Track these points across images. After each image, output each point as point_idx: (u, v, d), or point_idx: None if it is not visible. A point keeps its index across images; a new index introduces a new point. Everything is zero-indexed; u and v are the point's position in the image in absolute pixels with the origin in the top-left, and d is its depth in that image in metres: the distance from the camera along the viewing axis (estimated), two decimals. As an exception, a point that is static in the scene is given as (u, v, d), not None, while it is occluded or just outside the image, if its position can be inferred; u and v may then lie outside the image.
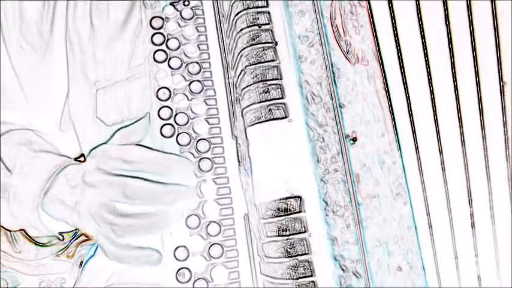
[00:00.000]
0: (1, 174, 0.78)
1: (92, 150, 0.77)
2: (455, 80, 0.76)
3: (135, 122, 0.78)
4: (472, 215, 0.75)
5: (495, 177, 0.76)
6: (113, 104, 0.78)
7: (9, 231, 0.79)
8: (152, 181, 0.74)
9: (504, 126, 0.76)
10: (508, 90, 0.77)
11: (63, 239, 0.78)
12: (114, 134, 0.78)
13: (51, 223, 0.77)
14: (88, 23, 0.82)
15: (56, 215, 0.76)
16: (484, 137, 0.76)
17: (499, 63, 0.77)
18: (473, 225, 0.75)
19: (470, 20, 0.77)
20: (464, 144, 0.75)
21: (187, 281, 0.73)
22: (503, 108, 0.76)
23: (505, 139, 0.76)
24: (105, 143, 0.77)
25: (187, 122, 0.77)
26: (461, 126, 0.75)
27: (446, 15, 0.77)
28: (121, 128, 0.78)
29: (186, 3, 0.80)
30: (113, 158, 0.76)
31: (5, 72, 0.82)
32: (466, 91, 0.76)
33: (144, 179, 0.74)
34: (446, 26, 0.77)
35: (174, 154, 0.76)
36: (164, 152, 0.76)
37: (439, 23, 0.77)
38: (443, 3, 0.77)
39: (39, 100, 0.81)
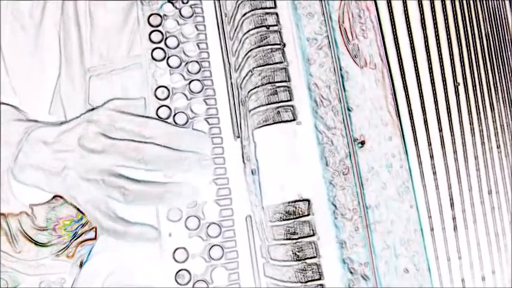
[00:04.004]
0: None
1: (91, 110, 0.76)
2: (433, 81, 0.78)
3: (131, 99, 0.76)
4: (454, 218, 0.77)
5: (463, 180, 0.78)
6: (107, 91, 0.77)
7: None
8: (168, 147, 0.73)
9: (460, 126, 0.79)
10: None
11: (32, 211, 0.76)
12: (107, 101, 0.76)
13: (23, 193, 0.74)
14: (86, 8, 0.80)
15: (29, 181, 0.74)
16: (453, 142, 0.78)
17: (452, 65, 0.79)
18: (455, 228, 0.76)
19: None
20: (444, 147, 0.77)
21: (187, 283, 0.72)
22: (459, 109, 0.79)
23: (463, 141, 0.78)
24: (98, 106, 0.76)
25: (187, 122, 0.76)
26: (440, 130, 0.77)
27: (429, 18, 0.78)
28: (115, 98, 0.76)
29: (185, 1, 0.79)
30: (127, 131, 0.73)
31: None
32: (439, 94, 0.78)
33: (160, 145, 0.73)
34: (423, 30, 0.78)
35: (191, 129, 0.75)
36: (180, 127, 0.75)
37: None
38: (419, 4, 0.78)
39: (29, 85, 0.79)
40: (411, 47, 0.76)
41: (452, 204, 0.76)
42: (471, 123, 0.79)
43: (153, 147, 0.73)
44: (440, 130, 0.77)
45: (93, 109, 0.77)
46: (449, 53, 0.78)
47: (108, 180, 0.72)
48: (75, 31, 0.80)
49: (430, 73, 0.77)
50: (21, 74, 0.80)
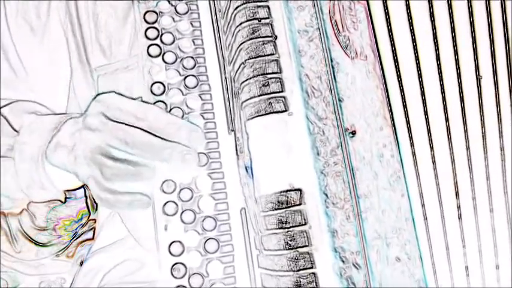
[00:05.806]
0: (8, 135, 0.77)
1: (99, 95, 0.76)
2: (441, 74, 0.78)
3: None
4: (459, 206, 0.77)
5: (477, 169, 0.78)
6: (114, 90, 0.78)
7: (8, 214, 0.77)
8: (154, 135, 0.73)
9: (481, 120, 0.79)
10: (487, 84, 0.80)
11: (65, 201, 0.77)
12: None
13: (56, 176, 0.75)
14: (90, 8, 0.81)
15: (58, 161, 0.74)
16: (465, 130, 0.78)
17: (476, 58, 0.79)
18: (460, 217, 0.76)
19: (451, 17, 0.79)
20: (450, 137, 0.77)
21: (183, 276, 0.72)
22: (480, 101, 0.79)
23: (483, 131, 0.79)
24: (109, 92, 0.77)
25: (182, 117, 0.76)
26: (447, 120, 0.77)
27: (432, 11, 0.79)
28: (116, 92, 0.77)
29: (181, -3, 0.80)
30: (123, 110, 0.74)
31: (8, 52, 0.81)
32: (450, 85, 0.78)
33: (147, 132, 0.73)
34: (431, 21, 0.79)
35: (189, 122, 0.76)
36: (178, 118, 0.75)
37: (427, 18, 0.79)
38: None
39: (41, 85, 0.80)
40: (412, 39, 0.77)
41: (457, 193, 0.77)
42: (499, 113, 0.78)
43: (138, 131, 0.73)
44: (447, 120, 0.77)
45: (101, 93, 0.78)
46: (473, 43, 0.78)
47: (95, 157, 0.72)
48: (78, 29, 0.81)
49: (438, 66, 0.77)
50: (37, 73, 0.81)
